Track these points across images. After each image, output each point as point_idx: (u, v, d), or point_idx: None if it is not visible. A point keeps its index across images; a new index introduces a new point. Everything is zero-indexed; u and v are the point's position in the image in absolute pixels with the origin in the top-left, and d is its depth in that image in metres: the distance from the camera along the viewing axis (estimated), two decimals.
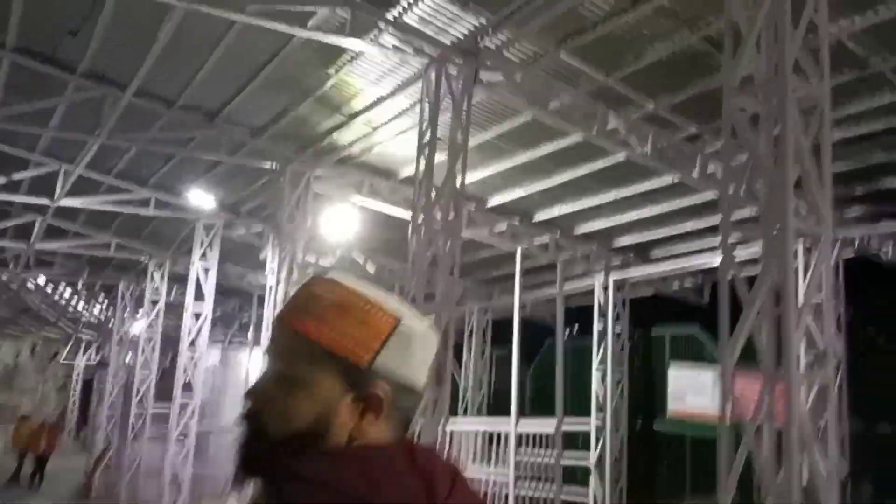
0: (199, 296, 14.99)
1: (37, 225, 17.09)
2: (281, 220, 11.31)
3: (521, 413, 16.03)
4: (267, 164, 11.73)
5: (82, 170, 13.72)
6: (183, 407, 14.26)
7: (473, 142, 10.68)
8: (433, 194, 7.90)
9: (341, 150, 11.56)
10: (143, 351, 17.85)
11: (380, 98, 9.71)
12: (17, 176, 13.73)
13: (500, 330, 17.97)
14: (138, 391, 17.69)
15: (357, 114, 10.30)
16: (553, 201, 13.04)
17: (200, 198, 11.68)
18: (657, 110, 9.16)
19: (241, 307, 22.72)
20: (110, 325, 29.26)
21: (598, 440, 13.38)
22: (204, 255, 14.98)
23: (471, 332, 17.92)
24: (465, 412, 17.55)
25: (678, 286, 14.78)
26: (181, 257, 18.52)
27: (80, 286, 24.42)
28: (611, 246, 14.11)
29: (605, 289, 13.97)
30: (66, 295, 26.86)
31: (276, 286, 11.11)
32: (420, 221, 7.92)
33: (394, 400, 1.27)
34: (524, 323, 18.29)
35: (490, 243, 14.59)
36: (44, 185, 14.04)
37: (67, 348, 42.94)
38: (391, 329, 1.27)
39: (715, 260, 13.07)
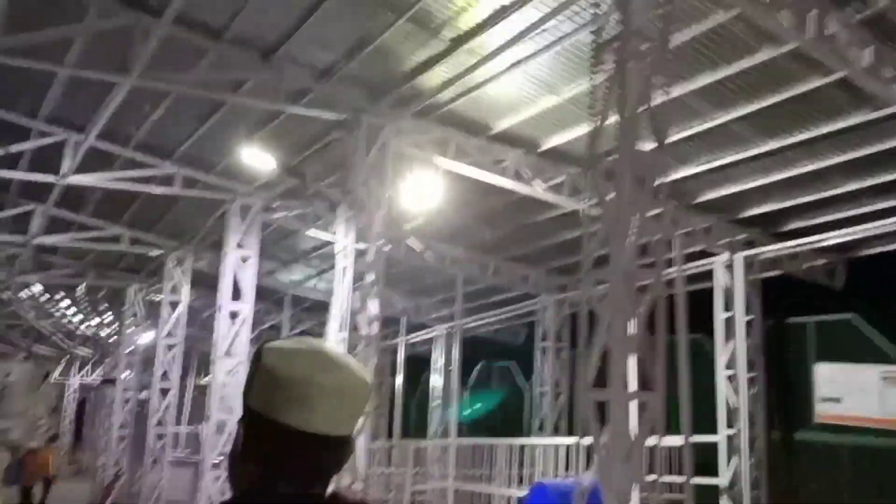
0: (235, 294, 12.75)
1: (37, 215, 14.86)
2: (353, 185, 9.10)
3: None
4: (333, 116, 9.52)
5: (94, 140, 11.55)
6: (220, 426, 12.00)
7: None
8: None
9: (426, 97, 9.38)
10: (161, 363, 15.56)
11: (502, 9, 7.54)
12: (15, 148, 11.50)
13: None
14: (156, 409, 15.41)
15: (462, 38, 8.13)
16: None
17: (256, 157, 9.43)
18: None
19: (268, 310, 20.46)
20: (111, 339, 26.97)
21: (729, 456, 11.19)
22: (240, 243, 12.73)
23: (544, 331, 15.68)
24: (539, 428, 15.28)
25: (806, 266, 12.62)
26: (204, 252, 16.32)
27: (80, 292, 22.07)
28: (735, 217, 11.95)
29: (729, 268, 11.79)
30: (63, 305, 24.55)
31: (346, 269, 8.90)
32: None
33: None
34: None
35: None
36: (48, 161, 11.83)
37: (60, 367, 40.57)
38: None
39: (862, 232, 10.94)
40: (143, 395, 19.24)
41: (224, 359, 12.15)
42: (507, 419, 16.98)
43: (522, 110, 9.55)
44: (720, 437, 11.29)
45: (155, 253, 16.16)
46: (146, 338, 19.73)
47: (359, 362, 1.50)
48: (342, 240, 9.11)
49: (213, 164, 12.49)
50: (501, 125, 9.95)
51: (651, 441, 5.50)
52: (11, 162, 11.89)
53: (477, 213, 13.00)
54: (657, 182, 5.41)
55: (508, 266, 15.28)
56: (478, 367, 18.55)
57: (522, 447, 13.47)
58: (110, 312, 24.03)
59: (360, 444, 8.82)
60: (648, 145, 5.65)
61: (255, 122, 10.53)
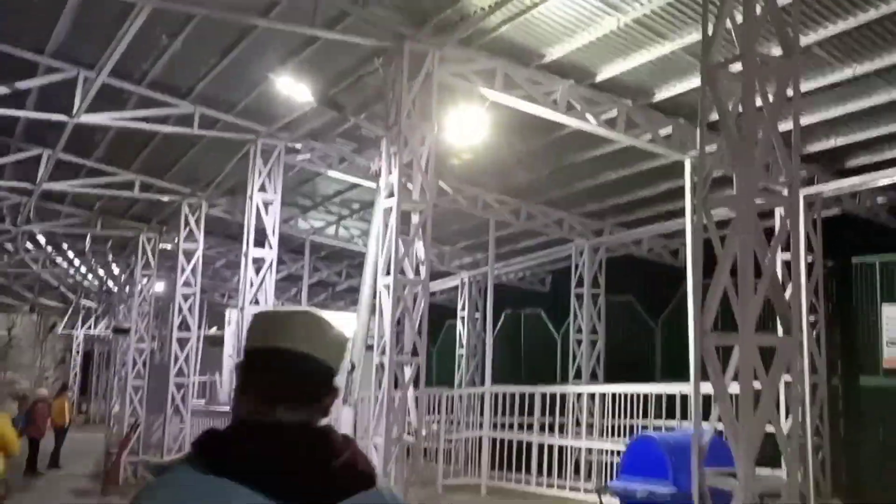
0: (258, 241, 12.13)
1: (44, 160, 14.14)
2: (397, 118, 8.39)
3: (647, 378, 13.38)
4: (372, 42, 8.76)
5: (106, 77, 10.79)
6: None
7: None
8: None
9: (473, 22, 8.62)
10: (179, 310, 15.01)
11: None
12: (22, 85, 10.74)
13: (615, 272, 15.20)
14: (177, 359, 14.93)
15: None
16: None
17: (290, 87, 8.64)
18: None
19: (285, 259, 19.90)
20: (118, 290, 26.46)
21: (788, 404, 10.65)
22: (263, 186, 12.05)
23: (580, 276, 15.08)
24: (576, 375, 14.80)
25: (870, 204, 11.97)
26: (219, 199, 15.66)
27: (87, 244, 21.45)
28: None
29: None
30: (70, 255, 23.94)
31: (392, 209, 8.23)
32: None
33: None
34: (643, 265, 15.62)
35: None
36: (56, 100, 11.08)
37: (66, 318, 40.21)
38: None
39: None
40: (156, 344, 18.73)
41: (249, 308, 11.58)
42: (537, 368, 16.53)
43: (578, 35, 8.79)
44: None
45: (168, 199, 15.47)
46: (157, 287, 19.17)
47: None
48: (385, 177, 8.41)
49: (233, 104, 11.74)
50: (553, 53, 9.19)
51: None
52: (17, 101, 11.13)
53: (512, 154, 12.29)
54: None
55: (541, 210, 14.62)
56: (503, 315, 18.01)
57: (560, 395, 13.02)
58: (117, 264, 23.42)
59: (410, 393, 8.31)
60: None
61: (281, 55, 9.76)
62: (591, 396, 12.93)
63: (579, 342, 14.90)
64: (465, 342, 18.05)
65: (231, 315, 22.20)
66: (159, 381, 17.68)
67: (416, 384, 8.27)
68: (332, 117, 11.86)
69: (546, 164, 12.81)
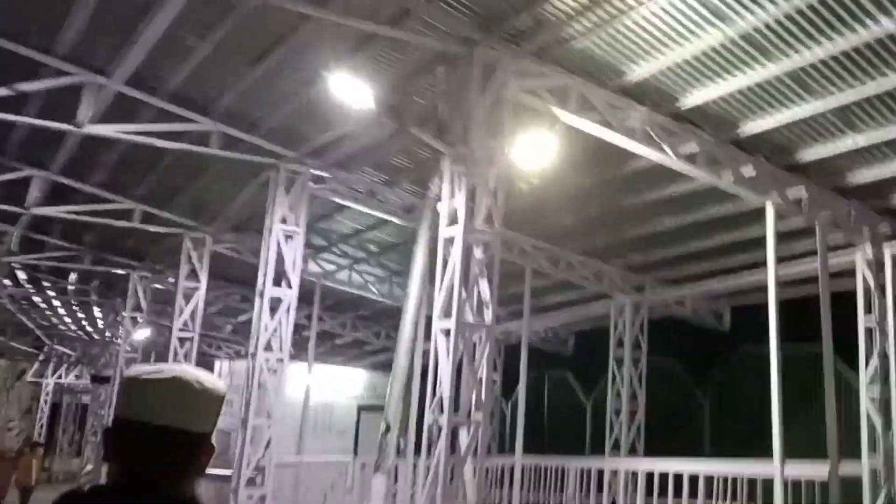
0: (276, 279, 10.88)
1: (35, 182, 12.94)
2: (466, 133, 7.29)
3: (693, 453, 12.09)
4: (437, 45, 7.72)
5: (121, 85, 9.71)
6: (256, 433, 10.13)
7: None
8: None
9: (549, 31, 7.65)
10: (175, 357, 13.62)
11: None
12: (24, 87, 9.60)
13: (656, 333, 14.01)
14: None
15: None
16: (818, 132, 9.15)
17: (348, 86, 7.42)
18: None
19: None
20: (99, 336, 24.94)
21: (873, 492, 9.44)
22: (285, 218, 10.88)
23: (619, 337, 13.86)
24: (614, 447, 13.41)
25: None
26: (225, 234, 14.45)
27: (70, 282, 20.06)
28: (883, 205, 10.27)
29: (872, 265, 10.07)
30: (50, 295, 22.47)
31: (459, 239, 7.03)
32: None
33: None
34: (682, 325, 14.47)
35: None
36: (62, 108, 9.94)
37: (36, 364, 38.28)
38: None
39: None
40: None
41: (264, 353, 10.26)
42: (562, 436, 15.17)
43: (669, 52, 7.79)
44: (864, 469, 9.55)
45: (170, 231, 14.22)
46: (144, 333, 17.75)
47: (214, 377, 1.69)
48: (448, 202, 7.25)
49: (256, 123, 10.68)
50: (637, 73, 8.19)
51: None
52: (17, 107, 9.97)
53: (560, 192, 11.17)
54: None
55: (580, 260, 13.48)
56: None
57: (597, 471, 11.68)
58: (101, 306, 21.95)
59: (468, 467, 6.97)
60: None
61: (321, 63, 8.69)
62: (634, 474, 11.57)
63: (617, 410, 13.57)
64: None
65: (222, 367, 20.76)
66: None
67: (474, 452, 6.94)
68: (362, 145, 10.83)
69: (594, 206, 11.73)
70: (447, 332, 7.00)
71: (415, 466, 8.76)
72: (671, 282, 14.02)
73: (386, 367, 20.87)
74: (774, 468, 8.62)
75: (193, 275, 14.03)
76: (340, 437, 18.57)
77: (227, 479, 13.28)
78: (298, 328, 20.38)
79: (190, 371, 1.65)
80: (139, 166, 12.86)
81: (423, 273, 9.01)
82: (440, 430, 6.83)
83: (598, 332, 14.48)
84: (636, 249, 13.13)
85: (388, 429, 8.47)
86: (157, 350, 17.84)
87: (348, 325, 20.46)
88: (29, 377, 38.31)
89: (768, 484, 8.91)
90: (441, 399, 6.95)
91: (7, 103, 9.73)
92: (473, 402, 7.07)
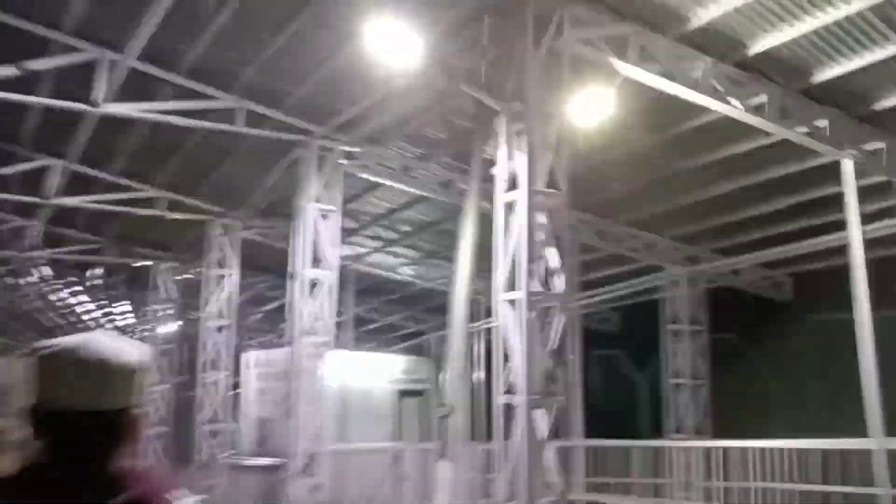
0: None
1: (54, 172, 12.43)
2: (523, 88, 6.63)
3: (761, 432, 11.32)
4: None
5: (135, 61, 9.13)
6: (307, 419, 9.63)
7: None
8: None
9: None
10: (208, 349, 13.13)
11: None
12: (33, 65, 9.02)
13: (712, 306, 13.31)
14: (204, 403, 13.04)
15: None
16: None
17: (396, 33, 6.65)
18: None
19: None
20: (124, 328, 24.57)
21: None
22: (319, 197, 10.29)
23: (673, 312, 13.15)
24: (676, 430, 12.72)
25: None
26: (253, 220, 13.92)
27: (93, 275, 19.60)
28: None
29: None
30: (74, 290, 22.09)
31: (524, 202, 6.39)
32: None
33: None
34: (739, 296, 13.77)
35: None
36: (74, 88, 9.37)
37: None
38: None
39: None
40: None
41: (307, 338, 9.71)
42: (616, 418, 14.54)
43: None
44: None
45: (198, 218, 13.68)
46: (172, 326, 17.27)
47: (127, 345, 1.65)
48: (505, 163, 6.61)
49: (282, 98, 10.06)
50: (702, 17, 7.48)
51: None
52: (27, 87, 9.39)
53: (610, 158, 10.49)
54: None
55: (629, 232, 12.79)
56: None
57: (661, 451, 11.05)
58: (131, 300, 21.51)
59: (549, 450, 6.36)
60: None
61: (354, 21, 8.01)
62: (707, 452, 10.90)
63: (678, 388, 12.88)
64: None
65: (249, 358, 20.28)
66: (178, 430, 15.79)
67: (556, 434, 6.33)
68: (395, 116, 10.19)
69: (645, 172, 11.03)
70: (514, 305, 6.38)
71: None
72: (726, 251, 13.31)
73: (421, 351, 20.34)
74: (875, 443, 7.91)
75: (223, 263, 13.47)
76: (379, 424, 18.05)
77: (273, 469, 12.91)
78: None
79: (95, 346, 1.59)
80: (160, 152, 12.31)
81: (473, 247, 8.41)
82: (513, 411, 6.24)
83: (649, 307, 13.81)
84: (690, 218, 12.43)
85: (449, 412, 7.88)
86: (191, 343, 17.46)
87: (379, 309, 19.89)
88: None
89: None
90: (517, 378, 6.34)
91: (18, 85, 9.16)
92: (555, 379, 6.44)
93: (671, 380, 12.98)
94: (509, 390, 6.35)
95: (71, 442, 1.55)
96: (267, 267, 17.41)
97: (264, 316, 20.99)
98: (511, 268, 6.51)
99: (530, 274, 6.37)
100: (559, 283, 6.47)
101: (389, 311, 20.08)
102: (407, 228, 14.60)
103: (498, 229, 6.61)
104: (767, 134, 9.17)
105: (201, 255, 16.34)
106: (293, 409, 9.52)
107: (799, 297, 13.32)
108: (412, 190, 11.63)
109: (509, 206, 6.61)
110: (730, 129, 9.23)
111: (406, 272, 15.98)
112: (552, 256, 6.56)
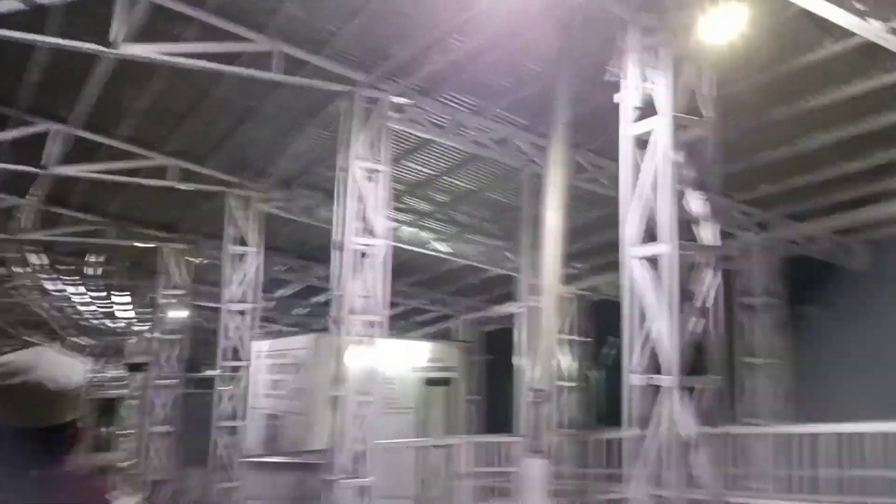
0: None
1: (53, 138, 11.13)
2: None
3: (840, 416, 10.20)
4: None
5: None
6: (360, 408, 8.43)
7: None
8: None
9: None
10: (227, 335, 11.89)
11: None
12: None
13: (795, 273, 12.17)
14: (224, 397, 11.81)
15: None
16: None
17: None
18: None
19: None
20: (125, 321, 23.30)
21: None
22: (362, 154, 9.05)
23: (745, 282, 12.00)
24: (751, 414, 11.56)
25: None
26: (272, 191, 12.68)
27: (91, 261, 18.28)
28: None
29: None
30: (69, 280, 20.73)
31: (667, 132, 5.20)
32: None
33: None
34: (815, 265, 12.64)
35: None
36: (89, 24, 8.09)
37: None
38: None
39: None
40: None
41: (353, 317, 8.49)
42: None
43: None
44: None
45: (209, 190, 12.41)
46: (181, 313, 15.98)
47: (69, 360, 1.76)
48: (636, 84, 5.39)
49: (323, 40, 8.81)
50: None
51: None
52: (33, 23, 8.07)
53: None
54: None
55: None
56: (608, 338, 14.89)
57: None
58: (129, 288, 20.19)
59: (698, 439, 5.16)
60: None
61: None
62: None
63: (753, 368, 11.75)
64: (573, 374, 14.92)
65: (261, 347, 19.04)
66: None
67: (708, 419, 5.13)
68: (450, 61, 8.94)
69: (734, 120, 9.80)
70: (653, 262, 5.19)
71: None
72: (798, 216, 12.17)
73: (445, 337, 19.14)
74: None
75: (243, 239, 12.23)
76: (401, 415, 16.88)
77: (309, 467, 11.74)
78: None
79: (39, 371, 1.68)
80: (173, 115, 11.07)
81: (561, 199, 7.23)
82: (657, 392, 5.05)
83: None
84: (766, 178, 11.25)
85: (539, 396, 6.71)
86: (201, 334, 16.27)
87: (402, 292, 18.63)
88: None
89: None
90: (670, 353, 5.15)
91: (25, 23, 7.86)
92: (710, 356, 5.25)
93: (745, 358, 11.83)
94: (648, 369, 5.17)
95: (15, 452, 1.65)
96: (281, 247, 16.18)
97: (276, 303, 19.72)
98: (644, 216, 5.30)
99: (673, 221, 5.18)
100: (709, 234, 5.27)
101: (413, 293, 18.83)
102: (444, 198, 13.36)
103: (626, 169, 5.40)
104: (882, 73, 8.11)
105: (212, 235, 15.13)
106: (340, 401, 8.29)
107: (878, 266, 12.24)
108: (463, 149, 10.41)
109: (638, 141, 5.40)
110: (843, 67, 8.13)
111: (439, 249, 14.71)
112: (697, 200, 5.35)
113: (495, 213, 13.77)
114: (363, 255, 8.72)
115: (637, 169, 5.39)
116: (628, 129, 5.47)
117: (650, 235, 5.31)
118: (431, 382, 17.42)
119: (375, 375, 8.67)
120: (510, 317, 19.27)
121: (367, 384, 8.49)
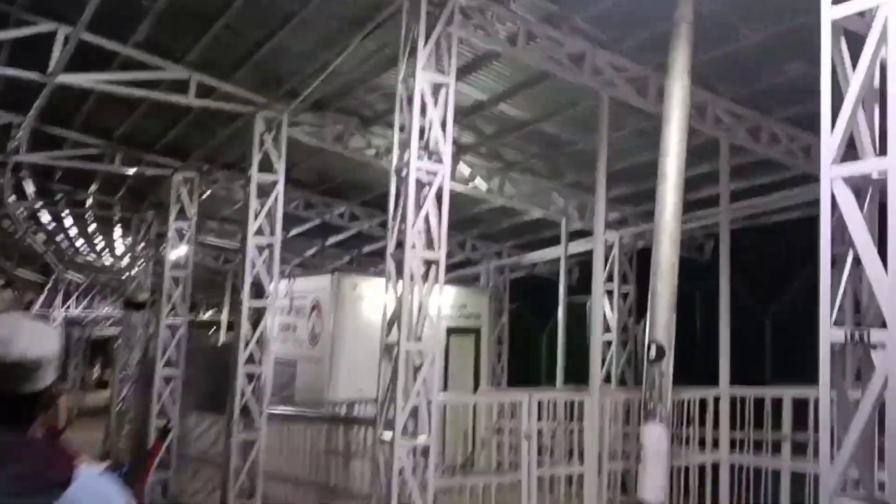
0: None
1: (58, 41, 9.79)
2: None
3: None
4: None
5: None
6: (412, 356, 7.38)
7: None
8: None
9: None
10: (253, 267, 10.78)
11: None
12: None
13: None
14: (246, 339, 10.75)
15: None
16: None
17: None
18: None
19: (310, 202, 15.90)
20: (128, 256, 22.14)
21: None
22: (425, 65, 7.80)
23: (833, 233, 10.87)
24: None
25: None
26: (304, 113, 11.42)
27: (92, 191, 17.08)
28: None
29: None
30: (64, 212, 19.52)
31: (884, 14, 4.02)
32: None
33: None
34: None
35: None
36: None
37: (43, 295, 35.74)
38: None
39: None
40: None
41: (413, 252, 7.36)
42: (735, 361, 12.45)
43: None
44: None
45: (233, 109, 11.13)
46: (187, 250, 14.80)
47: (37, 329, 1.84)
48: None
49: None
50: None
51: None
52: None
53: (784, 30, 8.06)
54: None
55: (787, 132, 10.43)
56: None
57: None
58: (129, 222, 18.96)
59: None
60: None
61: None
62: None
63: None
64: (613, 326, 13.90)
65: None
66: (208, 369, 13.62)
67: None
68: None
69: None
70: (863, 184, 4.07)
71: None
72: None
73: (471, 282, 18.08)
74: None
75: (268, 164, 11.03)
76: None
77: (335, 420, 10.79)
78: (330, 230, 17.60)
79: (10, 345, 1.71)
80: (197, 18, 9.74)
81: (684, 116, 6.07)
82: (869, 348, 3.99)
83: (782, 229, 11.60)
84: None
85: (659, 353, 5.63)
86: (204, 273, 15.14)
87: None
88: (36, 309, 35.80)
89: None
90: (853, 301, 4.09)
91: None
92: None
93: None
94: (854, 320, 4.09)
95: None
96: (301, 179, 14.95)
97: (289, 240, 18.53)
98: (847, 126, 4.16)
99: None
100: None
101: None
102: (490, 130, 12.15)
103: (824, 62, 4.23)
104: None
105: (227, 164, 14.01)
106: (392, 348, 7.21)
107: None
108: (533, 65, 9.16)
109: (838, 30, 4.21)
110: None
111: (478, 186, 13.52)
112: None
113: (545, 148, 12.58)
114: (424, 183, 7.55)
115: (840, 63, 4.23)
116: (828, 13, 4.27)
117: (852, 152, 4.19)
118: (455, 332, 16.37)
119: (436, 323, 7.57)
120: (534, 266, 18.24)
121: (428, 329, 7.40)
